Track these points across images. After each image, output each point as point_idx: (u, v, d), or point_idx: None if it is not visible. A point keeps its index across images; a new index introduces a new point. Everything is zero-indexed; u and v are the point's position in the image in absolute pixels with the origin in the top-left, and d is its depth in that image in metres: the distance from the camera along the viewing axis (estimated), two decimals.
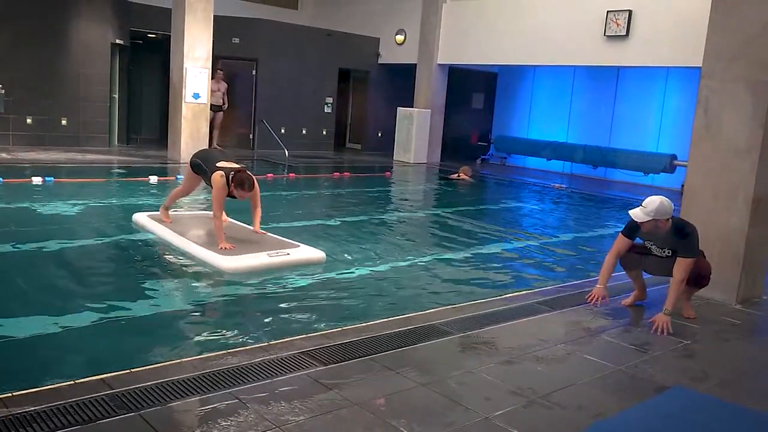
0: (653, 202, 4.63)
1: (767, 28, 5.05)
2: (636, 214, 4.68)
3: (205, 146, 12.55)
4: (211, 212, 6.14)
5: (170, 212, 6.81)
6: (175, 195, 6.83)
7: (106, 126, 14.09)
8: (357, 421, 2.99)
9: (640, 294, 5.26)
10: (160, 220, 6.59)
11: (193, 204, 8.41)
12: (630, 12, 12.76)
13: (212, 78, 14.89)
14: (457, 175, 13.85)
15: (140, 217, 6.84)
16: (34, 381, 3.18)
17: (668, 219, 4.69)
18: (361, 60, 18.02)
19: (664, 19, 12.18)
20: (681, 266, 4.67)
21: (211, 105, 14.90)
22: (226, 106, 15.41)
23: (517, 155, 17.42)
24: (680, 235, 4.69)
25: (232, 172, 5.87)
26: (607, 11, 13.06)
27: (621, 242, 4.95)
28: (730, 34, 5.27)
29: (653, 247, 4.90)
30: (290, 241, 6.14)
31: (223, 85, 15.19)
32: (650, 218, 4.63)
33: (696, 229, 4.73)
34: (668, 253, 4.82)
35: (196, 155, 6.46)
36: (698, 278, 4.87)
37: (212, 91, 14.88)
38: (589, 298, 5.03)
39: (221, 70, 15.20)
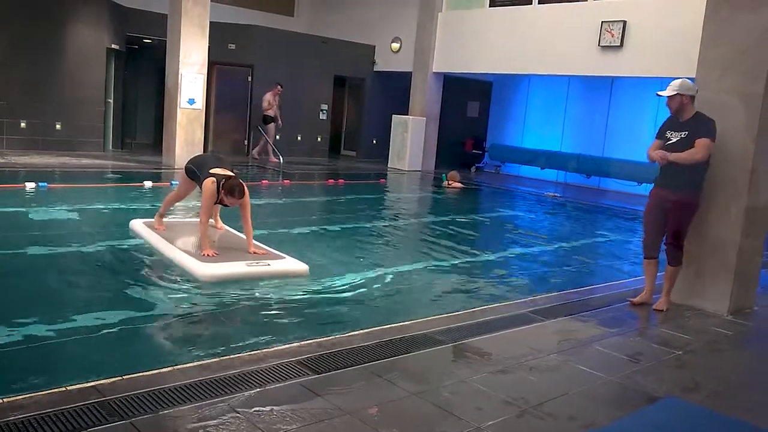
0: (676, 81, 5.21)
1: (759, 40, 5.10)
2: (665, 92, 5.23)
3: (200, 152, 12.52)
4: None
5: (169, 219, 6.79)
6: (169, 201, 6.80)
7: (101, 131, 14.07)
8: (349, 430, 2.99)
9: (647, 296, 5.54)
10: (153, 228, 6.56)
11: (191, 210, 8.38)
12: (624, 23, 12.84)
13: (271, 91, 15.09)
14: (446, 183, 13.84)
15: (136, 224, 6.81)
16: (24, 388, 3.17)
17: (693, 99, 5.17)
18: (356, 67, 18.06)
19: (658, 29, 12.25)
20: (698, 144, 5.04)
21: (267, 117, 15.11)
22: (280, 124, 15.65)
23: (511, 164, 17.47)
24: (701, 120, 5.15)
25: (224, 179, 5.83)
26: (602, 21, 13.13)
27: (654, 144, 5.38)
28: (723, 46, 5.31)
29: (672, 133, 5.27)
30: (276, 252, 6.05)
31: (277, 100, 15.42)
32: (675, 92, 5.13)
33: (714, 122, 5.11)
34: (684, 135, 5.16)
35: (191, 161, 6.44)
36: (677, 256, 5.33)
37: (271, 105, 15.08)
38: (655, 155, 5.26)
39: (281, 85, 15.40)
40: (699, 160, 5.07)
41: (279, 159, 14.72)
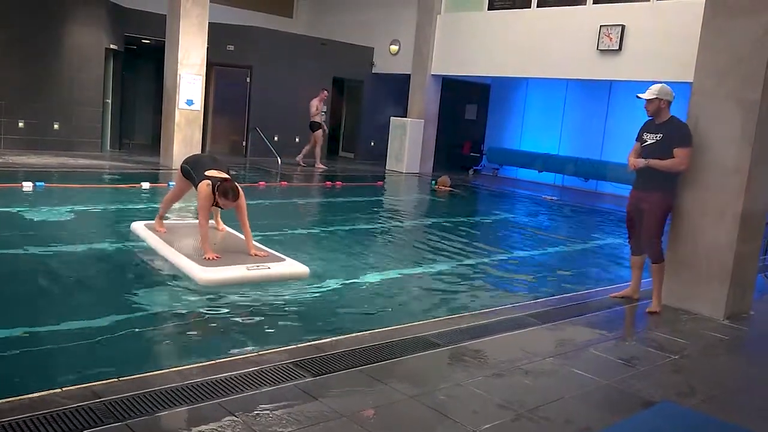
0: (656, 85, 5.42)
1: (757, 46, 5.11)
2: (644, 95, 5.42)
3: (197, 152, 12.49)
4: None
5: (170, 221, 6.79)
6: (167, 201, 6.77)
7: (99, 131, 14.06)
8: None
9: (631, 291, 5.77)
10: (154, 230, 6.54)
11: (190, 212, 8.37)
12: (623, 27, 12.87)
13: (317, 96, 15.06)
14: (437, 187, 13.82)
15: (137, 226, 6.78)
16: (20, 389, 3.16)
17: (669, 104, 5.35)
18: (355, 69, 18.07)
19: (656, 34, 12.28)
20: (679, 154, 5.25)
21: (314, 123, 15.07)
22: (326, 130, 15.77)
23: (509, 166, 17.48)
24: (675, 125, 5.33)
25: (218, 182, 5.81)
26: (600, 26, 13.16)
27: (635, 147, 5.62)
28: (720, 52, 5.32)
29: (648, 135, 5.47)
30: (277, 254, 6.02)
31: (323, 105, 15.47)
32: (654, 96, 5.32)
33: (688, 127, 5.33)
34: (659, 137, 5.36)
35: (186, 160, 6.39)
36: (657, 252, 5.46)
37: (318, 110, 15.10)
38: (631, 164, 5.53)
39: (327, 90, 15.42)
40: (684, 171, 5.32)
41: (279, 161, 14.71)
